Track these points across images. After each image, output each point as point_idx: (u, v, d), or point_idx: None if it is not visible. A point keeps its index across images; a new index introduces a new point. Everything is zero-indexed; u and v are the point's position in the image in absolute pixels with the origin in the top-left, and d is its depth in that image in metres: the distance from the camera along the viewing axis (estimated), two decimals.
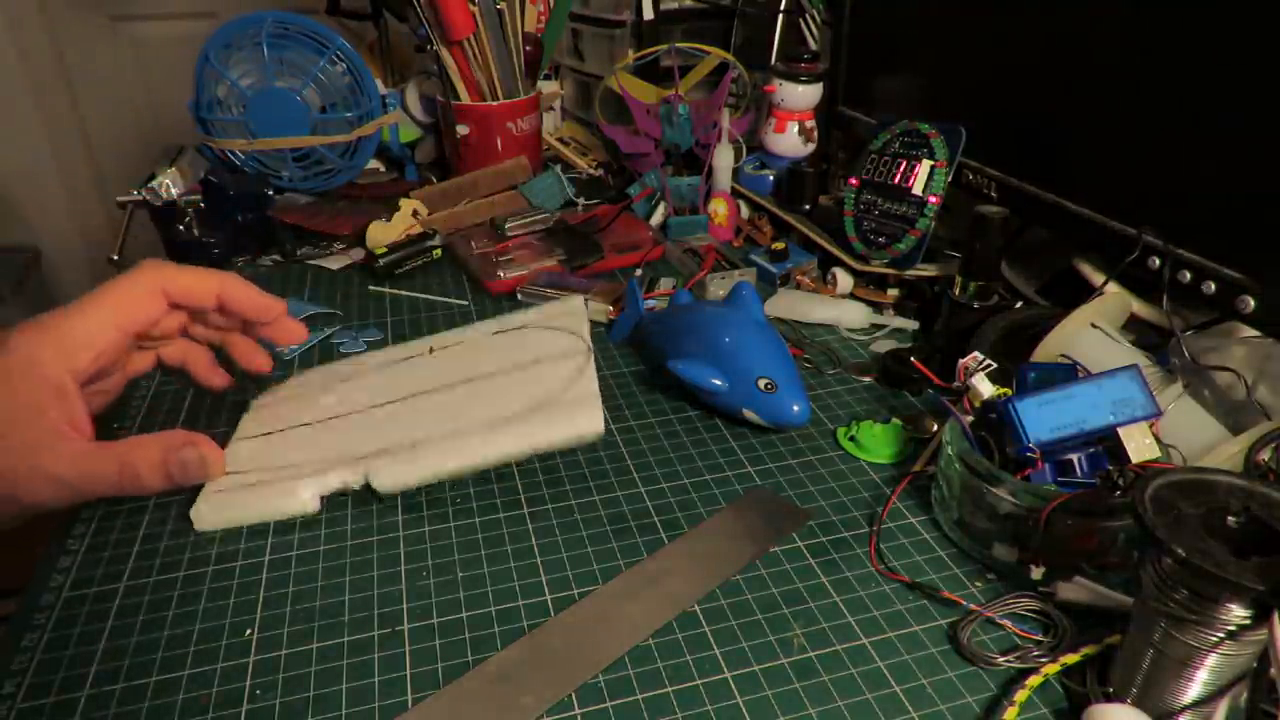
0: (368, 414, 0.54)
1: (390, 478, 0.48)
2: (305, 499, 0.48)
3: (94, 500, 0.50)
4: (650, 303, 0.69)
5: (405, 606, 0.44)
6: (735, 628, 0.42)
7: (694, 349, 0.58)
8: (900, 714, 0.38)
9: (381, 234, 0.83)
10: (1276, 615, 0.30)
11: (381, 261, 0.79)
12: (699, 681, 0.39)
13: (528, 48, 0.96)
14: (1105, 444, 0.45)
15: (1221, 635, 0.32)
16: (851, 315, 0.70)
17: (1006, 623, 0.42)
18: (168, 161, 0.86)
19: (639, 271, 0.81)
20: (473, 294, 0.78)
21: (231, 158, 0.90)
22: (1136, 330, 0.60)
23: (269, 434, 0.54)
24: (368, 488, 0.49)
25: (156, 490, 0.47)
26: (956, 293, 0.64)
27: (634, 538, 0.48)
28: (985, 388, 0.49)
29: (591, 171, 1.05)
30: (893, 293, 0.74)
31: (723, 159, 0.87)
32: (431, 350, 0.59)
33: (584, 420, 0.49)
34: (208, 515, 0.48)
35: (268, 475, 0.50)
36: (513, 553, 0.47)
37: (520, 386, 0.52)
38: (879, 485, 0.53)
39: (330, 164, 0.92)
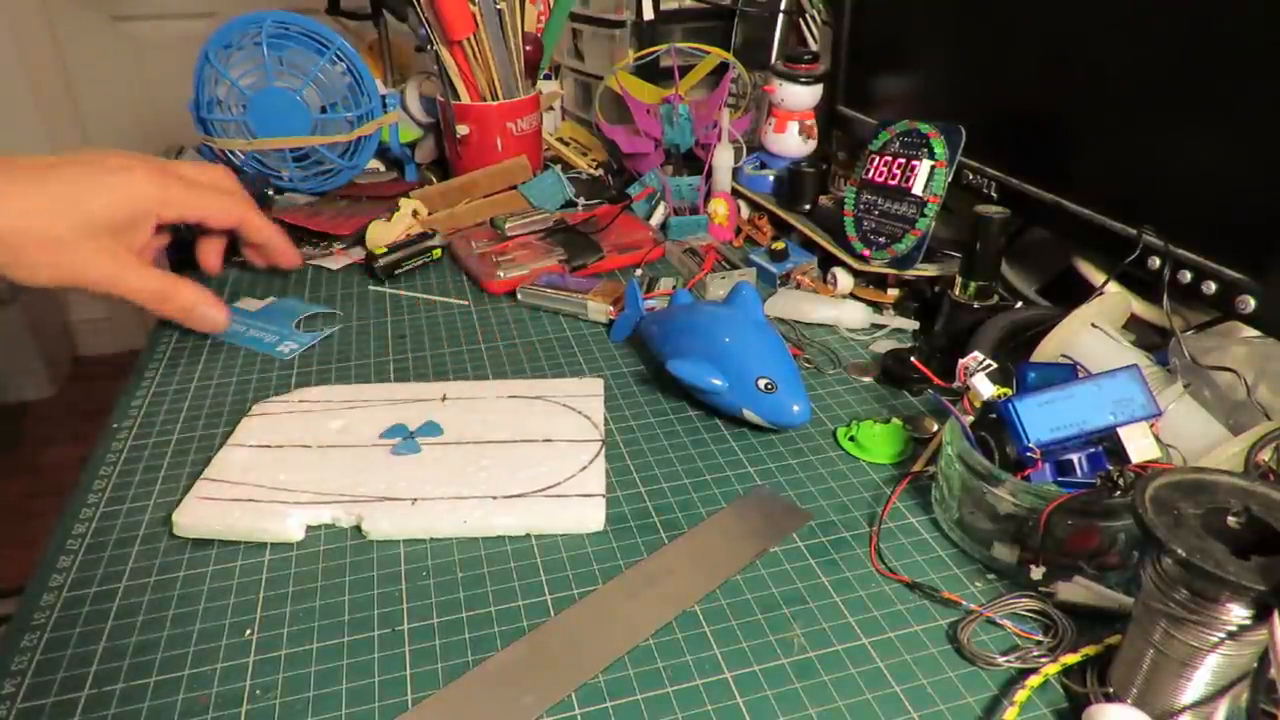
0: (371, 450, 0.53)
1: (383, 528, 0.48)
2: (292, 526, 0.48)
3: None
4: (650, 303, 0.69)
5: (405, 606, 0.44)
6: (735, 628, 0.42)
7: (694, 349, 0.58)
8: (900, 714, 0.38)
9: (381, 234, 0.83)
10: (1276, 615, 0.30)
11: (381, 261, 0.79)
12: (699, 681, 0.39)
13: (528, 48, 0.96)
14: (1105, 444, 0.45)
15: (1222, 635, 0.32)
16: (851, 315, 0.70)
17: (1006, 623, 0.42)
18: None
19: (639, 271, 0.81)
20: (473, 294, 0.78)
21: (231, 158, 0.90)
22: (1136, 330, 0.60)
23: (267, 446, 0.54)
24: (357, 528, 0.49)
25: (163, 312, 0.54)
26: (956, 293, 0.64)
27: (634, 538, 0.48)
28: (985, 388, 0.49)
29: (591, 171, 1.05)
30: (893, 293, 0.74)
31: (723, 159, 0.87)
32: (444, 399, 0.59)
33: (585, 516, 0.49)
34: (190, 524, 0.48)
35: (258, 493, 0.50)
36: (512, 552, 0.47)
37: (529, 465, 0.52)
38: (879, 485, 0.53)
39: (330, 164, 0.92)
